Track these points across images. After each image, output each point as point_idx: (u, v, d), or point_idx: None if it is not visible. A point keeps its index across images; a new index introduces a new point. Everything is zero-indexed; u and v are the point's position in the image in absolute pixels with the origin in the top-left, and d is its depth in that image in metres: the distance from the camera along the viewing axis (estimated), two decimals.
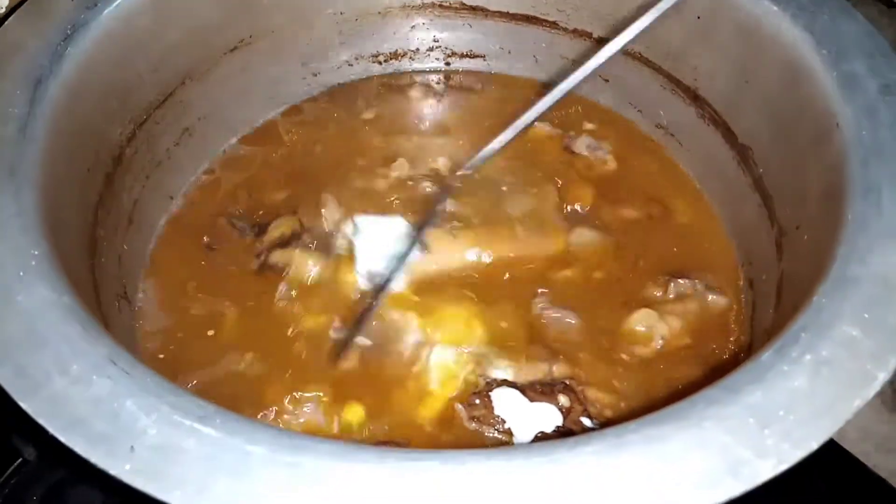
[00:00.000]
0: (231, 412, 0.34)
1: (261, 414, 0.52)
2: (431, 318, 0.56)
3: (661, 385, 0.53)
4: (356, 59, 0.73)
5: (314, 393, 0.52)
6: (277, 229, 0.61)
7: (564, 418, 0.51)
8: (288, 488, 0.31)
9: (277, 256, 0.59)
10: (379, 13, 0.71)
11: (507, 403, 0.51)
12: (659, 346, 0.55)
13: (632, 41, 0.51)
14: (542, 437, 0.50)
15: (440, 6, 0.72)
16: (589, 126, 0.70)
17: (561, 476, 0.31)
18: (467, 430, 0.51)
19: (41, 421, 0.34)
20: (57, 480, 0.57)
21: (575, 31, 0.69)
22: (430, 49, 0.74)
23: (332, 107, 0.72)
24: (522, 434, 0.50)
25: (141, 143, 0.59)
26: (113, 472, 0.32)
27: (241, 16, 0.65)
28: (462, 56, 0.75)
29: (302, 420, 0.51)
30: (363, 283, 0.58)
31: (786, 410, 0.34)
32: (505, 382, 0.52)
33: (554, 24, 0.70)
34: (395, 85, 0.75)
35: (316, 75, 0.72)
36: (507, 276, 0.59)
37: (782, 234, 0.54)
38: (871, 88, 0.47)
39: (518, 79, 0.75)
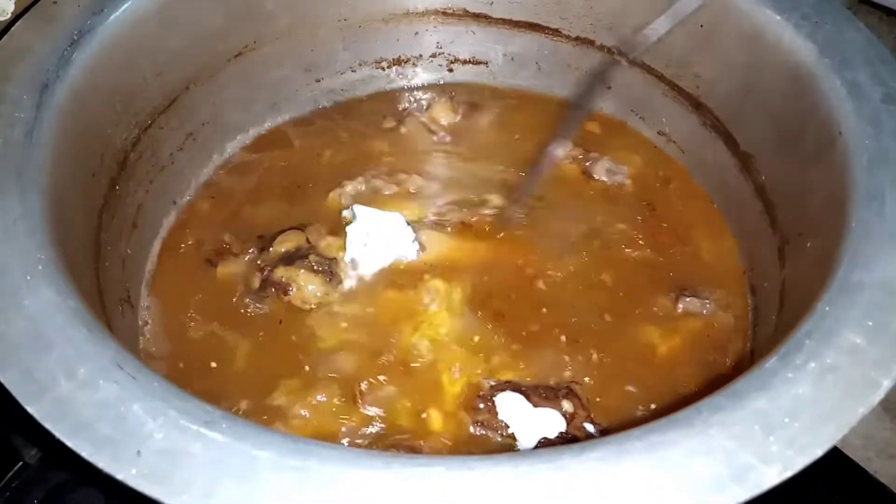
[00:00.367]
0: (237, 417, 0.34)
1: None
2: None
3: (667, 392, 0.53)
4: (360, 65, 0.73)
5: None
6: (283, 244, 0.60)
7: (568, 424, 0.51)
8: (294, 493, 0.31)
9: (281, 273, 0.58)
10: (382, 20, 0.72)
11: (510, 408, 0.51)
12: (664, 354, 0.55)
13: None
14: (545, 443, 0.50)
15: (443, 13, 0.72)
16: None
17: (566, 482, 0.32)
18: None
19: (47, 425, 0.34)
20: (58, 483, 0.57)
21: (578, 38, 0.70)
22: (434, 56, 0.75)
23: (340, 117, 0.72)
24: (526, 439, 0.51)
25: (145, 148, 0.59)
26: (119, 476, 0.32)
27: (246, 22, 0.65)
28: (465, 63, 0.75)
29: None
30: (349, 272, 0.58)
31: (790, 417, 0.34)
32: (509, 386, 0.52)
33: (557, 32, 0.70)
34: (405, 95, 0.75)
35: (319, 81, 0.72)
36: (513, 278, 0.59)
37: (785, 242, 0.54)
38: (874, 97, 0.48)
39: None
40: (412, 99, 0.75)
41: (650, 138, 0.70)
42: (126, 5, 0.55)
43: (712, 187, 0.65)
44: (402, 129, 0.71)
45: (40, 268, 0.40)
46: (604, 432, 0.50)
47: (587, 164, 0.67)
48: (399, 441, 0.50)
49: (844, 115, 0.48)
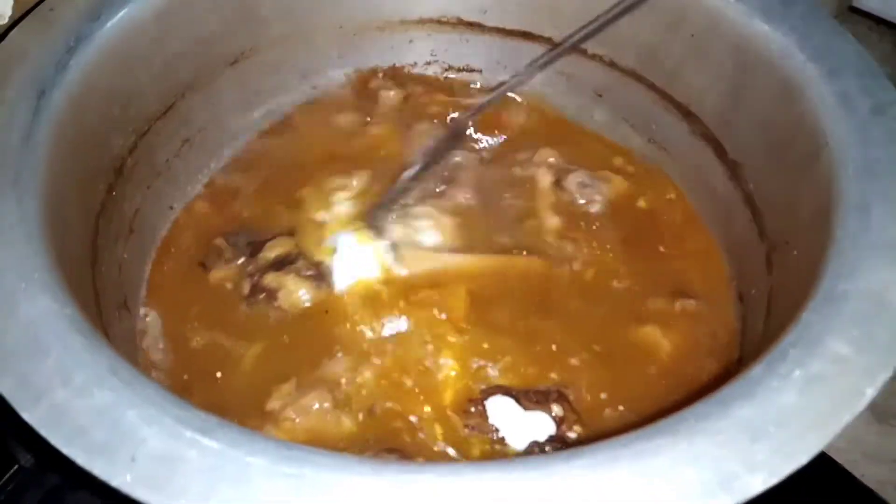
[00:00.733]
0: (232, 423, 0.34)
1: None
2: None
3: (657, 396, 0.54)
4: (355, 72, 0.74)
5: None
6: (273, 250, 0.60)
7: (557, 427, 0.51)
8: (288, 500, 0.32)
9: (270, 279, 0.58)
10: (377, 28, 0.72)
11: (501, 412, 0.52)
12: (655, 359, 0.56)
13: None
14: (536, 446, 0.51)
15: (438, 22, 0.73)
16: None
17: (556, 490, 0.32)
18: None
19: (42, 432, 0.34)
20: (54, 486, 0.57)
21: (570, 47, 0.70)
22: (428, 63, 0.75)
23: (333, 119, 0.72)
24: (516, 443, 0.51)
25: (142, 154, 0.59)
26: (114, 482, 0.32)
27: (242, 29, 0.65)
28: (459, 70, 0.76)
29: None
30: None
31: (776, 425, 0.34)
32: (500, 390, 0.53)
33: (549, 41, 0.71)
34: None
35: (315, 87, 0.73)
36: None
37: (772, 249, 0.54)
38: (862, 108, 0.48)
39: None
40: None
41: (640, 144, 0.70)
42: (123, 12, 0.55)
43: (701, 195, 0.66)
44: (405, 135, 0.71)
45: (36, 274, 0.40)
46: (592, 437, 0.51)
47: (561, 174, 0.67)
48: (392, 447, 0.50)
49: (832, 126, 0.48)
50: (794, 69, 0.52)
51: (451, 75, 0.76)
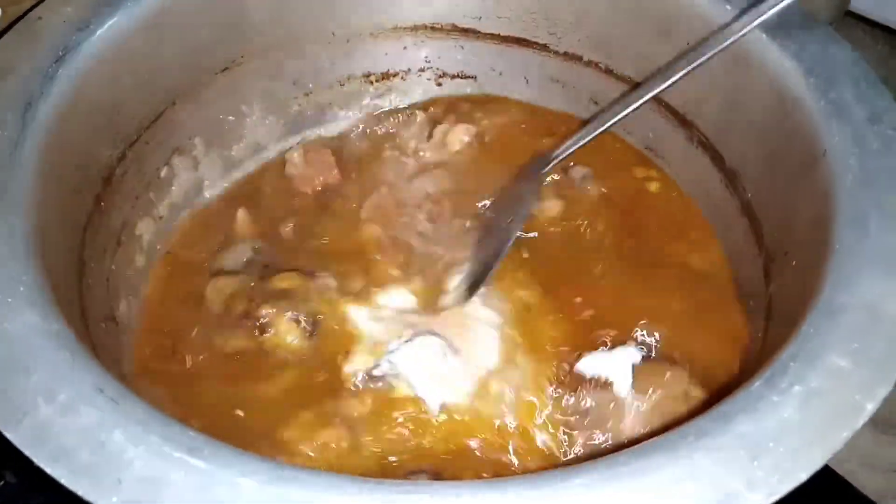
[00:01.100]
0: (221, 443, 0.34)
1: None
2: None
3: None
4: (348, 79, 0.73)
5: None
6: (282, 282, 0.57)
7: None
8: None
9: (267, 311, 0.55)
10: (371, 34, 0.71)
11: (593, 365, 0.51)
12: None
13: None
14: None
15: (431, 28, 0.72)
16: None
17: None
18: None
19: (26, 451, 0.33)
20: (40, 503, 0.56)
21: (566, 53, 0.70)
22: (422, 70, 0.75)
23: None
24: (621, 382, 0.50)
25: (131, 164, 0.59)
26: None
27: (233, 37, 0.65)
28: (453, 77, 0.75)
29: None
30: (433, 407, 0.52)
31: (775, 442, 0.34)
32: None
33: (544, 47, 0.70)
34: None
35: (307, 95, 0.72)
36: None
37: (770, 259, 0.54)
38: (859, 116, 0.48)
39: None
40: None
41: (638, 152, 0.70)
42: (112, 21, 0.55)
43: (698, 203, 0.65)
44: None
45: (22, 289, 0.40)
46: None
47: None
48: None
49: (829, 135, 0.48)
50: (790, 77, 0.52)
51: (446, 81, 0.75)
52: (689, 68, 0.51)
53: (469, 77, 0.75)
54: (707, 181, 0.63)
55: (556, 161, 0.60)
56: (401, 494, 0.32)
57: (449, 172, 0.68)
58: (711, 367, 0.52)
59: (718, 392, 0.49)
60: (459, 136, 0.69)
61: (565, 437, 0.50)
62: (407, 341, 0.53)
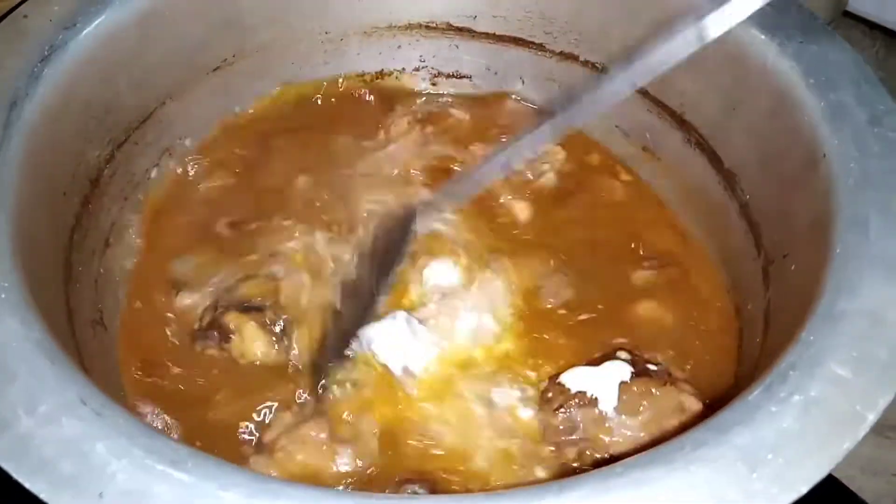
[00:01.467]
0: (205, 455, 0.33)
1: None
2: None
3: None
4: (342, 78, 0.72)
5: None
6: (246, 286, 0.55)
7: (634, 365, 0.50)
8: None
9: (231, 318, 0.53)
10: (365, 33, 0.71)
11: (580, 380, 0.50)
12: None
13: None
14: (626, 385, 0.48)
15: (426, 27, 0.71)
16: None
17: None
18: None
19: (4, 465, 0.32)
20: None
21: (561, 53, 0.69)
22: (417, 69, 0.74)
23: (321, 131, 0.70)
24: (606, 400, 0.48)
25: (119, 165, 0.58)
26: None
27: (225, 35, 0.64)
28: (448, 76, 0.74)
29: None
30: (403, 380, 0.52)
31: (774, 453, 0.33)
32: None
33: (541, 47, 0.70)
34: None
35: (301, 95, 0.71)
36: None
37: (769, 263, 0.53)
38: (859, 118, 0.47)
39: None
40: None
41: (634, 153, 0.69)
42: (100, 19, 0.54)
43: (696, 205, 0.64)
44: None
45: (3, 295, 0.39)
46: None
47: None
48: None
49: (829, 137, 0.47)
50: (789, 79, 0.51)
51: (440, 81, 0.75)
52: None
53: (464, 76, 0.74)
54: (705, 182, 0.62)
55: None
56: None
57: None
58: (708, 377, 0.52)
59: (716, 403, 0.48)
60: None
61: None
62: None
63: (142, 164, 0.61)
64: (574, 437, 0.48)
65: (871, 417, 0.35)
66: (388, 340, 0.52)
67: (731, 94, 0.57)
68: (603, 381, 0.49)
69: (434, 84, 0.75)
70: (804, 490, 0.32)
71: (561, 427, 0.48)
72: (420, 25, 0.71)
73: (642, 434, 0.47)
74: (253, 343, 0.53)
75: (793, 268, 0.49)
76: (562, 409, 0.48)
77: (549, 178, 0.66)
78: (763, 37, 0.53)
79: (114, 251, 0.58)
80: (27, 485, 0.32)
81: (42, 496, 0.31)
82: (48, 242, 0.49)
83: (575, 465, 0.48)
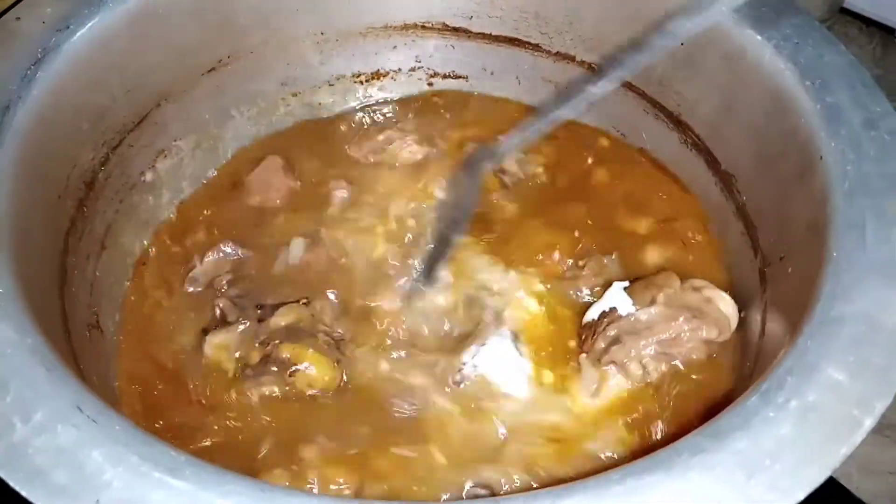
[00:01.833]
0: (203, 462, 0.33)
1: None
2: None
3: None
4: (337, 79, 0.72)
5: None
6: (284, 317, 0.53)
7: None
8: None
9: (287, 351, 0.51)
10: (360, 34, 0.70)
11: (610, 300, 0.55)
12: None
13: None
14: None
15: (422, 27, 0.71)
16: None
17: None
18: None
19: (0, 473, 0.32)
20: None
21: (558, 53, 0.69)
22: (413, 69, 0.74)
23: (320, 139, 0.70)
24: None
25: (114, 167, 0.58)
26: None
27: (220, 36, 0.63)
28: (444, 77, 0.74)
29: None
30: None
31: (772, 459, 0.33)
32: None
33: (537, 47, 0.69)
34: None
35: (296, 95, 0.71)
36: None
37: (766, 264, 0.53)
38: (856, 121, 0.47)
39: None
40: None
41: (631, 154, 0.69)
42: (93, 22, 0.53)
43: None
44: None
45: None
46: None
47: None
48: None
49: (825, 140, 0.47)
50: (786, 81, 0.51)
51: (437, 81, 0.74)
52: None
53: (460, 77, 0.74)
54: (702, 184, 0.62)
55: (499, 154, 0.59)
56: None
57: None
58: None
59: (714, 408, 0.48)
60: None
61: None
62: (482, 345, 0.54)
63: (137, 167, 0.61)
64: (617, 346, 0.52)
65: (869, 422, 0.35)
66: (494, 357, 0.54)
67: (728, 95, 0.57)
68: (611, 299, 0.55)
69: (430, 84, 0.74)
70: (801, 496, 0.33)
71: (604, 346, 0.53)
72: (416, 26, 0.71)
73: (671, 310, 0.52)
74: (322, 369, 0.51)
75: (790, 270, 0.49)
76: (597, 335, 0.53)
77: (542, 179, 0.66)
78: (759, 38, 0.53)
79: (110, 255, 0.57)
80: (23, 493, 0.31)
81: None
82: (43, 246, 0.49)
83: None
